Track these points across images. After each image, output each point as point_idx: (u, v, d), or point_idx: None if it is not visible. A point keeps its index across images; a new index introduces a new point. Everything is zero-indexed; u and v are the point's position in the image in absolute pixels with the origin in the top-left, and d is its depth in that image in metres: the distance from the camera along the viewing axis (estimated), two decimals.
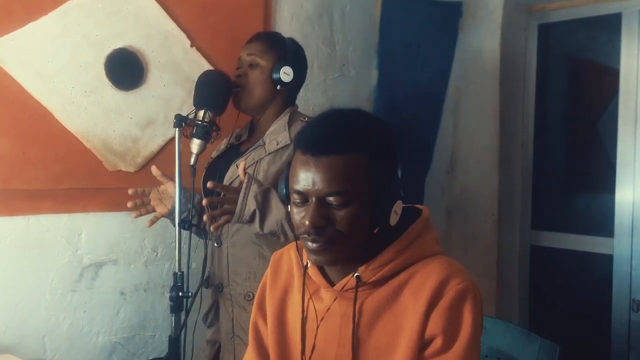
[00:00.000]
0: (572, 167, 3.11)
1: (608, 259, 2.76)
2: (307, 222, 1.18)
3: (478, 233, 3.01)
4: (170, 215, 1.99)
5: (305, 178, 1.18)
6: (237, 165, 1.94)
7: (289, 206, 1.26)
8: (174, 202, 1.96)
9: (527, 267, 3.09)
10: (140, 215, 2.01)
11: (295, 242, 1.38)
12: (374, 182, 1.19)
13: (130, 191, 1.99)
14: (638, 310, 2.66)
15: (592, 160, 3.00)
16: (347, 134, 1.19)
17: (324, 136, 1.20)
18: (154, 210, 2.01)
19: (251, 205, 1.79)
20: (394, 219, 1.21)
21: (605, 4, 2.79)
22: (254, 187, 1.80)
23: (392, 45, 2.89)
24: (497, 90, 2.95)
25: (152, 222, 2.02)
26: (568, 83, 3.14)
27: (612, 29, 2.78)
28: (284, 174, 1.28)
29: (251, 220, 1.81)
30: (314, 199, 1.18)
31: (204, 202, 1.80)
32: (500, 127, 2.96)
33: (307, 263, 1.31)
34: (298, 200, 1.21)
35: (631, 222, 2.70)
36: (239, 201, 1.78)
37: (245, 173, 1.82)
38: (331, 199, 1.17)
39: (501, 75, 2.95)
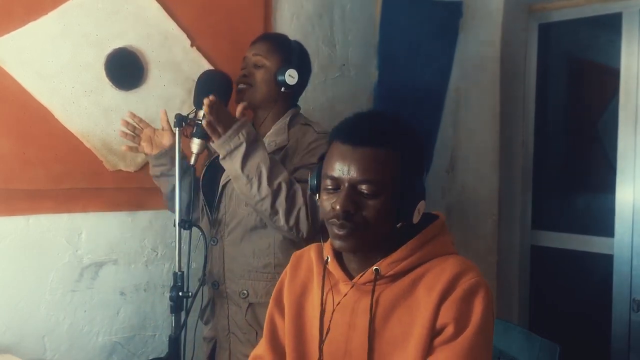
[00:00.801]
0: (572, 167, 3.11)
1: (608, 259, 2.76)
2: (337, 207, 1.25)
3: (478, 233, 3.01)
4: (152, 159, 2.02)
5: (342, 165, 1.26)
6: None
7: (316, 195, 1.34)
8: (162, 151, 2.00)
9: (527, 267, 3.09)
10: (125, 137, 2.04)
11: (315, 244, 1.46)
12: (403, 179, 1.27)
13: (129, 113, 2.05)
14: (638, 310, 2.66)
15: (592, 160, 3.00)
16: (385, 131, 1.29)
17: (364, 129, 1.29)
18: (139, 144, 2.05)
19: (241, 137, 1.79)
20: (416, 217, 1.28)
21: (606, 3, 2.79)
22: (249, 127, 1.82)
23: (392, 45, 2.89)
24: (497, 90, 2.95)
25: (129, 149, 2.05)
26: (568, 83, 3.14)
27: (612, 28, 2.77)
28: (316, 167, 1.35)
29: (233, 152, 1.79)
30: (346, 185, 1.26)
31: (211, 97, 1.77)
32: (501, 127, 2.96)
33: (328, 258, 1.37)
34: (330, 187, 1.28)
35: (631, 222, 2.70)
36: (231, 129, 1.78)
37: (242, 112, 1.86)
38: (363, 187, 1.25)
39: (501, 75, 2.94)
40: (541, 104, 3.06)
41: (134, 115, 2.06)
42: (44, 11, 2.02)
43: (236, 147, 1.79)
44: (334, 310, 1.34)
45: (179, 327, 1.86)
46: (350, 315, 1.32)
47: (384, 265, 1.29)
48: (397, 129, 1.32)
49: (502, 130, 2.96)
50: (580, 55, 3.08)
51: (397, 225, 1.28)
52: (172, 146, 1.96)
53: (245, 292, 1.95)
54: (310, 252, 1.46)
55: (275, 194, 1.81)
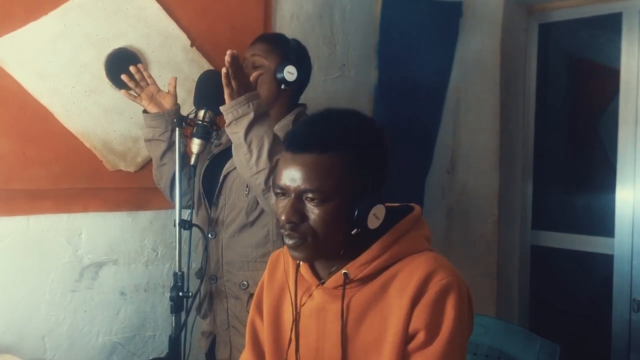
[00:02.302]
0: (572, 167, 3.11)
1: (608, 259, 2.77)
2: (283, 217, 1.22)
3: (478, 233, 3.01)
4: (148, 118, 2.01)
5: (287, 174, 1.22)
6: None
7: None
8: (159, 112, 1.99)
9: (527, 267, 3.09)
10: (129, 82, 2.02)
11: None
12: (353, 183, 1.21)
13: (140, 65, 2.03)
14: (638, 310, 2.66)
15: (592, 160, 3.00)
16: (328, 133, 1.22)
17: (305, 134, 1.24)
18: (138, 95, 2.03)
19: (251, 106, 1.76)
20: (373, 222, 1.22)
21: (606, 3, 2.79)
22: (260, 100, 1.80)
23: (392, 45, 2.89)
24: (497, 90, 2.95)
25: (128, 95, 2.03)
26: (568, 83, 3.14)
27: (612, 28, 2.78)
28: (274, 172, 1.33)
29: (240, 118, 1.77)
30: (292, 195, 1.22)
31: (234, 51, 1.76)
32: (501, 126, 2.96)
33: (300, 261, 1.33)
34: (280, 195, 1.25)
35: (631, 222, 2.70)
36: (244, 95, 1.76)
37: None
38: (309, 195, 1.20)
39: (501, 75, 2.95)
40: (541, 104, 3.06)
41: (144, 68, 2.05)
42: (44, 11, 2.02)
43: (244, 115, 1.77)
44: (307, 316, 1.31)
45: (179, 327, 1.86)
46: (323, 320, 1.29)
47: (352, 268, 1.25)
48: (345, 129, 1.23)
49: (502, 130, 2.97)
50: (580, 55, 3.08)
51: (352, 232, 1.21)
52: (170, 110, 1.99)
53: (245, 283, 1.96)
54: (286, 252, 1.40)
55: (272, 170, 1.78)
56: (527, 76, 3.06)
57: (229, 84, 1.74)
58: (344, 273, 1.25)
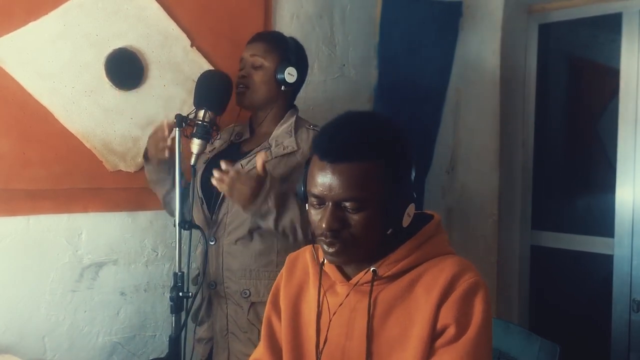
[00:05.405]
0: (572, 167, 3.11)
1: (608, 259, 2.76)
2: (323, 225, 1.23)
3: (478, 233, 3.01)
4: (161, 163, 1.99)
5: (323, 183, 1.23)
6: (240, 165, 1.95)
7: (307, 205, 1.30)
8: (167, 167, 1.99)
9: (527, 267, 3.09)
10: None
11: (309, 245, 1.45)
12: (388, 187, 1.24)
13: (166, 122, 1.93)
14: (638, 310, 2.66)
15: (592, 160, 3.00)
16: (364, 142, 1.23)
17: (341, 144, 1.24)
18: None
19: (271, 203, 1.81)
20: (406, 221, 1.27)
21: (606, 4, 2.79)
22: (277, 187, 1.83)
23: (392, 45, 2.89)
24: (497, 90, 2.95)
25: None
26: (568, 83, 3.14)
27: (612, 29, 2.78)
28: (302, 175, 1.33)
29: (265, 216, 1.84)
30: (330, 203, 1.23)
31: (223, 166, 1.80)
32: (501, 127, 2.96)
33: (324, 259, 1.36)
34: (315, 203, 1.26)
35: (631, 222, 2.70)
36: (261, 196, 1.81)
37: (263, 168, 1.83)
38: (347, 204, 1.23)
39: (501, 75, 2.95)
40: (541, 104, 3.06)
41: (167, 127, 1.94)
42: (44, 11, 2.02)
43: (267, 214, 1.84)
44: (329, 312, 1.34)
45: (179, 328, 1.86)
46: (347, 316, 1.32)
47: (381, 266, 1.29)
48: (377, 136, 1.25)
49: (502, 130, 2.97)
50: (580, 55, 3.08)
51: (387, 232, 1.26)
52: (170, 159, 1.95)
53: (247, 291, 1.95)
54: (305, 253, 1.46)
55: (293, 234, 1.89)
56: (527, 76, 3.06)
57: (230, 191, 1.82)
58: (373, 270, 1.28)
